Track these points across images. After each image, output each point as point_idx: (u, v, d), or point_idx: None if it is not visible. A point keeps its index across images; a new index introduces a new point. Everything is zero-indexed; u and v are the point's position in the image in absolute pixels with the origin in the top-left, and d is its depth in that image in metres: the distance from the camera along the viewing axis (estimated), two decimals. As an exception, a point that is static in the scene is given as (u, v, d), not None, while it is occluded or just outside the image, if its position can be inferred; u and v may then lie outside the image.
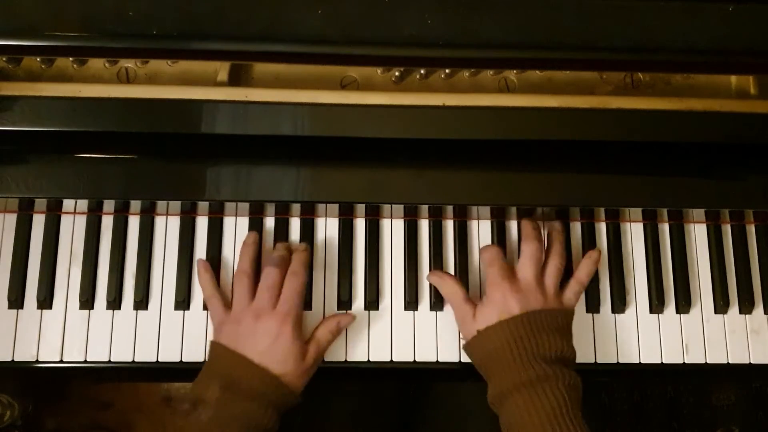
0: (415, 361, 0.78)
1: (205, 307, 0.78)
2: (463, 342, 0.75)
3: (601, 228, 0.82)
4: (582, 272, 0.78)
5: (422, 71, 0.75)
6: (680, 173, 0.76)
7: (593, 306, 0.79)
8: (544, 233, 0.80)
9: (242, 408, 0.66)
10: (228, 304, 0.75)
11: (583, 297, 0.80)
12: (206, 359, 0.73)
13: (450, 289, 0.76)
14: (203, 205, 0.78)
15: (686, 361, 0.79)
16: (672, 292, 0.81)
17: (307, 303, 0.78)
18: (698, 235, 0.83)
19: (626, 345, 0.79)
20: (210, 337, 0.77)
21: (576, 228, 0.82)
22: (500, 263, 0.75)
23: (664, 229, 0.83)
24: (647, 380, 1.14)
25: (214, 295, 0.75)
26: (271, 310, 0.71)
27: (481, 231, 0.81)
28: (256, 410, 0.66)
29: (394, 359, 0.78)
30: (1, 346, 0.76)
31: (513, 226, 0.82)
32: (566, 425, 0.64)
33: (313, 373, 0.73)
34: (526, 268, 0.74)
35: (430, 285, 0.79)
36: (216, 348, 0.71)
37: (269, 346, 0.69)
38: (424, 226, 0.81)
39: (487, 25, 0.61)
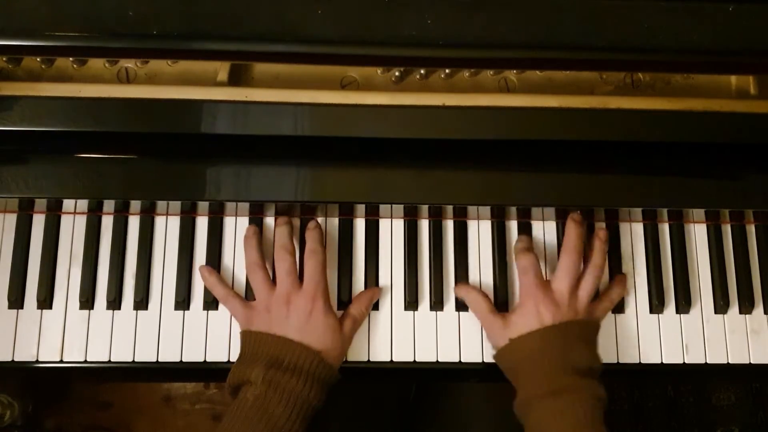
0: (415, 361, 0.78)
1: (205, 307, 0.78)
2: (493, 351, 0.75)
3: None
4: (614, 293, 0.78)
5: (422, 71, 0.75)
6: (680, 173, 0.76)
7: (593, 306, 0.79)
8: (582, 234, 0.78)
9: (288, 385, 0.67)
10: (245, 300, 0.76)
11: (583, 297, 0.80)
12: (240, 350, 0.73)
13: (476, 300, 0.77)
14: (203, 205, 0.78)
15: (686, 361, 0.79)
16: (672, 292, 0.81)
17: (307, 303, 0.77)
18: (698, 235, 0.83)
19: (626, 345, 0.79)
20: (210, 338, 0.77)
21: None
22: (535, 272, 0.75)
23: (664, 229, 0.83)
24: (647, 380, 1.14)
25: (230, 294, 0.76)
26: (298, 291, 0.72)
27: (481, 231, 0.81)
28: (302, 386, 0.67)
29: (394, 359, 0.78)
30: (1, 346, 0.76)
31: (513, 226, 0.82)
32: None
33: (349, 346, 0.74)
34: (562, 280, 0.74)
35: (430, 285, 0.79)
36: (251, 335, 0.72)
37: (305, 323, 0.70)
38: (424, 226, 0.81)
39: (487, 25, 0.61)
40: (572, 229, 0.77)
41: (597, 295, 0.78)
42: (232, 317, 0.77)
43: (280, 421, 0.66)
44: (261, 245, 0.77)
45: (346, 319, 0.74)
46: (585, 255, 0.78)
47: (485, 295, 0.77)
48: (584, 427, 0.65)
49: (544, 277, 0.77)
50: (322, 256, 0.75)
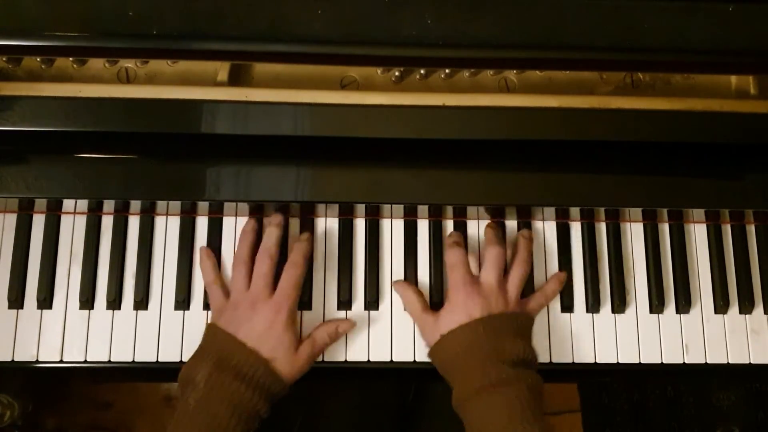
0: (415, 361, 0.78)
1: (205, 307, 0.78)
2: (426, 349, 0.75)
3: (601, 228, 0.82)
4: (549, 288, 0.79)
5: (422, 71, 0.75)
6: (680, 173, 0.76)
7: (593, 306, 0.79)
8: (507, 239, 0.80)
9: (230, 388, 0.66)
10: (228, 292, 0.76)
11: (583, 297, 0.80)
12: (201, 341, 0.73)
13: (410, 299, 0.77)
14: (203, 205, 0.78)
15: (686, 361, 0.79)
16: (672, 292, 0.81)
17: (306, 303, 0.78)
18: (698, 235, 0.83)
19: (626, 345, 0.79)
20: (210, 337, 0.77)
21: (576, 228, 0.82)
22: (464, 267, 0.75)
23: (664, 229, 0.83)
24: (647, 380, 1.14)
25: (215, 282, 0.76)
26: (268, 298, 0.72)
27: (480, 231, 0.81)
28: (244, 391, 0.66)
29: (394, 359, 0.78)
30: (1, 346, 0.76)
31: (513, 226, 0.82)
32: (527, 427, 0.64)
33: (305, 371, 0.73)
34: (488, 272, 0.75)
35: (430, 285, 0.79)
36: (211, 329, 0.72)
37: (263, 332, 0.70)
38: (423, 226, 0.81)
39: (487, 25, 0.61)
40: (488, 227, 0.79)
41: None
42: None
43: (221, 427, 0.65)
44: (255, 243, 0.77)
45: (306, 341, 0.73)
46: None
47: (420, 294, 0.77)
48: (519, 418, 0.64)
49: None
50: (301, 270, 0.74)
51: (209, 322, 0.74)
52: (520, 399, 0.65)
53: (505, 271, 0.77)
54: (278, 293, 0.73)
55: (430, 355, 0.74)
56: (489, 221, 0.80)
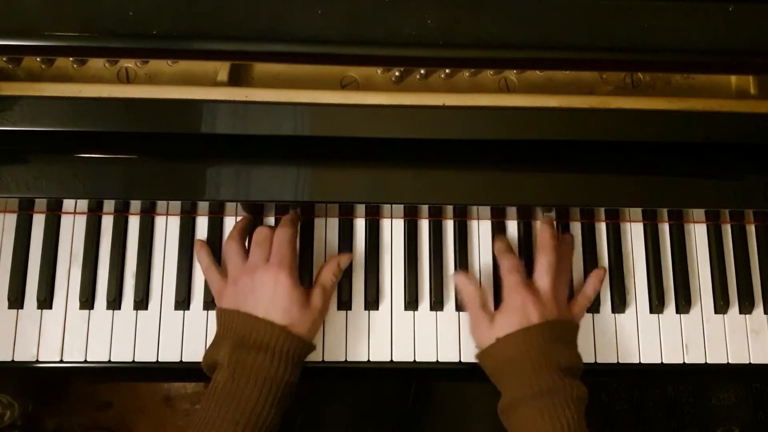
0: (415, 361, 0.78)
1: (205, 307, 0.78)
2: (476, 350, 0.75)
3: (601, 228, 0.82)
4: (589, 288, 0.79)
5: (422, 71, 0.75)
6: (680, 173, 0.76)
7: (593, 306, 0.79)
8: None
9: (255, 362, 0.65)
10: (225, 274, 0.75)
11: (583, 297, 0.80)
12: (216, 330, 0.72)
13: (471, 294, 0.76)
14: (203, 205, 0.78)
15: (686, 361, 0.79)
16: (672, 292, 0.81)
17: (307, 303, 0.77)
18: (698, 235, 0.83)
19: (626, 345, 0.79)
20: (210, 336, 0.77)
21: (576, 228, 0.82)
22: (520, 272, 0.75)
23: (664, 229, 0.83)
24: (647, 380, 1.14)
25: (211, 266, 0.76)
26: (265, 263, 0.72)
27: (481, 231, 0.81)
28: (270, 362, 0.66)
29: (394, 359, 0.78)
30: (1, 346, 0.76)
31: (513, 226, 0.82)
32: None
33: (324, 319, 0.73)
34: (543, 278, 0.74)
35: (430, 285, 0.79)
36: (220, 314, 0.72)
37: (270, 298, 0.69)
38: (424, 226, 0.81)
39: (487, 25, 0.61)
40: (547, 230, 0.77)
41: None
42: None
43: (251, 403, 0.64)
44: (247, 229, 0.77)
45: (314, 290, 0.73)
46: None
47: (481, 290, 0.77)
48: (568, 428, 0.64)
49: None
50: (292, 229, 0.74)
51: (216, 307, 0.74)
52: (570, 408, 0.66)
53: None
54: (273, 254, 0.72)
55: (480, 356, 0.74)
56: (547, 218, 0.79)
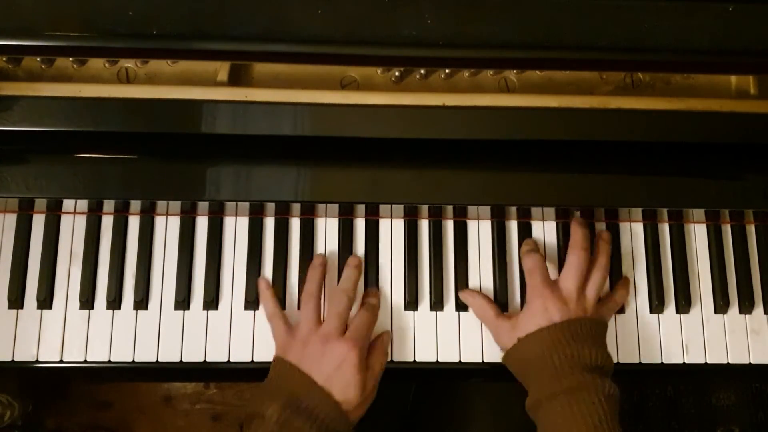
0: (415, 361, 0.78)
1: (205, 307, 0.78)
2: (501, 353, 0.75)
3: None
4: (618, 294, 0.79)
5: (422, 71, 0.75)
6: (680, 173, 0.76)
7: (593, 306, 0.79)
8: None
9: (302, 429, 0.65)
10: (290, 325, 0.75)
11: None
12: (269, 375, 0.72)
13: (481, 307, 0.76)
14: (203, 205, 0.78)
15: (686, 361, 0.79)
16: (672, 292, 0.81)
17: (307, 303, 0.77)
18: (698, 235, 0.83)
19: (626, 345, 0.79)
20: (210, 338, 0.77)
21: (576, 228, 0.82)
22: (542, 272, 0.75)
23: (664, 229, 0.83)
24: (647, 380, 1.14)
25: (276, 315, 0.75)
26: (340, 336, 0.71)
27: (481, 231, 0.81)
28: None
29: (394, 359, 0.78)
30: (1, 346, 0.76)
31: (513, 225, 0.82)
32: None
33: (368, 405, 0.72)
34: (570, 278, 0.74)
35: (430, 285, 0.79)
36: (281, 365, 0.71)
37: (334, 369, 0.69)
38: (424, 226, 0.81)
39: (487, 25, 0.61)
40: (578, 230, 0.77)
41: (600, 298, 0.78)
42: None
43: None
44: (323, 278, 0.77)
45: (369, 375, 0.72)
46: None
47: (490, 300, 0.77)
48: (595, 425, 0.64)
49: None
50: (377, 314, 0.75)
51: (275, 355, 0.73)
52: (597, 406, 0.65)
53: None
54: (351, 331, 0.72)
55: (505, 359, 0.74)
56: (577, 218, 0.79)
